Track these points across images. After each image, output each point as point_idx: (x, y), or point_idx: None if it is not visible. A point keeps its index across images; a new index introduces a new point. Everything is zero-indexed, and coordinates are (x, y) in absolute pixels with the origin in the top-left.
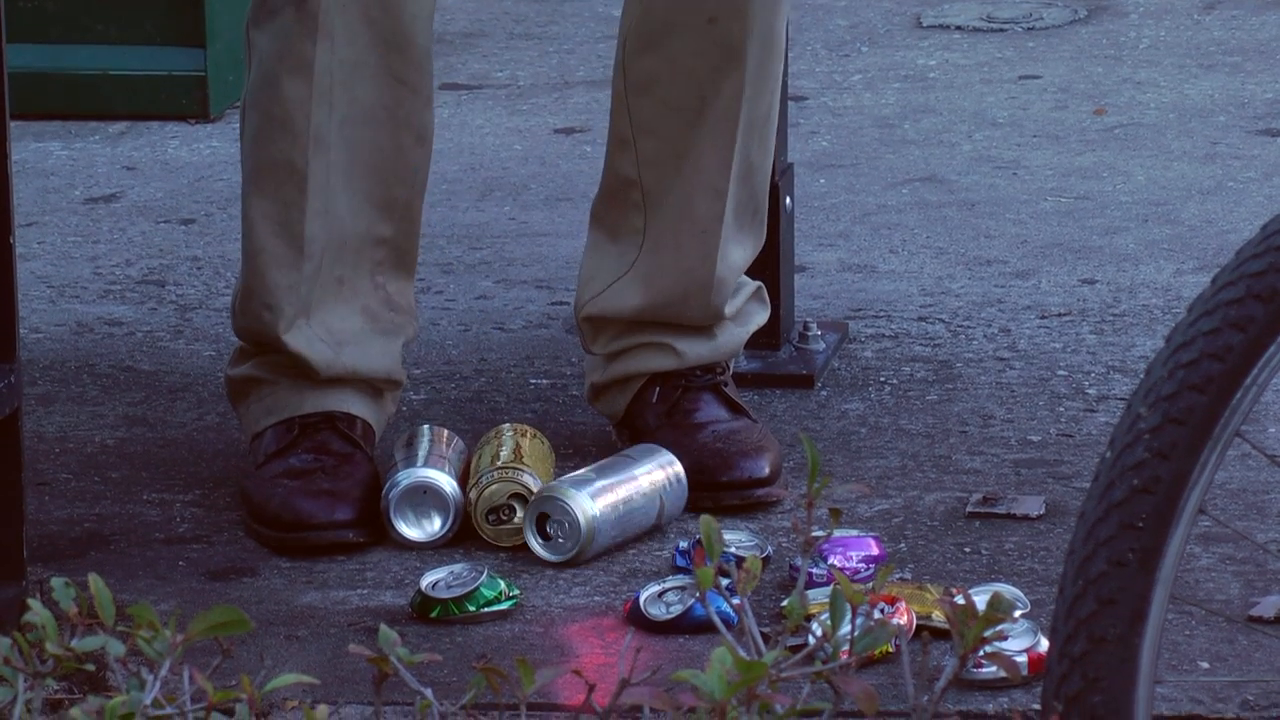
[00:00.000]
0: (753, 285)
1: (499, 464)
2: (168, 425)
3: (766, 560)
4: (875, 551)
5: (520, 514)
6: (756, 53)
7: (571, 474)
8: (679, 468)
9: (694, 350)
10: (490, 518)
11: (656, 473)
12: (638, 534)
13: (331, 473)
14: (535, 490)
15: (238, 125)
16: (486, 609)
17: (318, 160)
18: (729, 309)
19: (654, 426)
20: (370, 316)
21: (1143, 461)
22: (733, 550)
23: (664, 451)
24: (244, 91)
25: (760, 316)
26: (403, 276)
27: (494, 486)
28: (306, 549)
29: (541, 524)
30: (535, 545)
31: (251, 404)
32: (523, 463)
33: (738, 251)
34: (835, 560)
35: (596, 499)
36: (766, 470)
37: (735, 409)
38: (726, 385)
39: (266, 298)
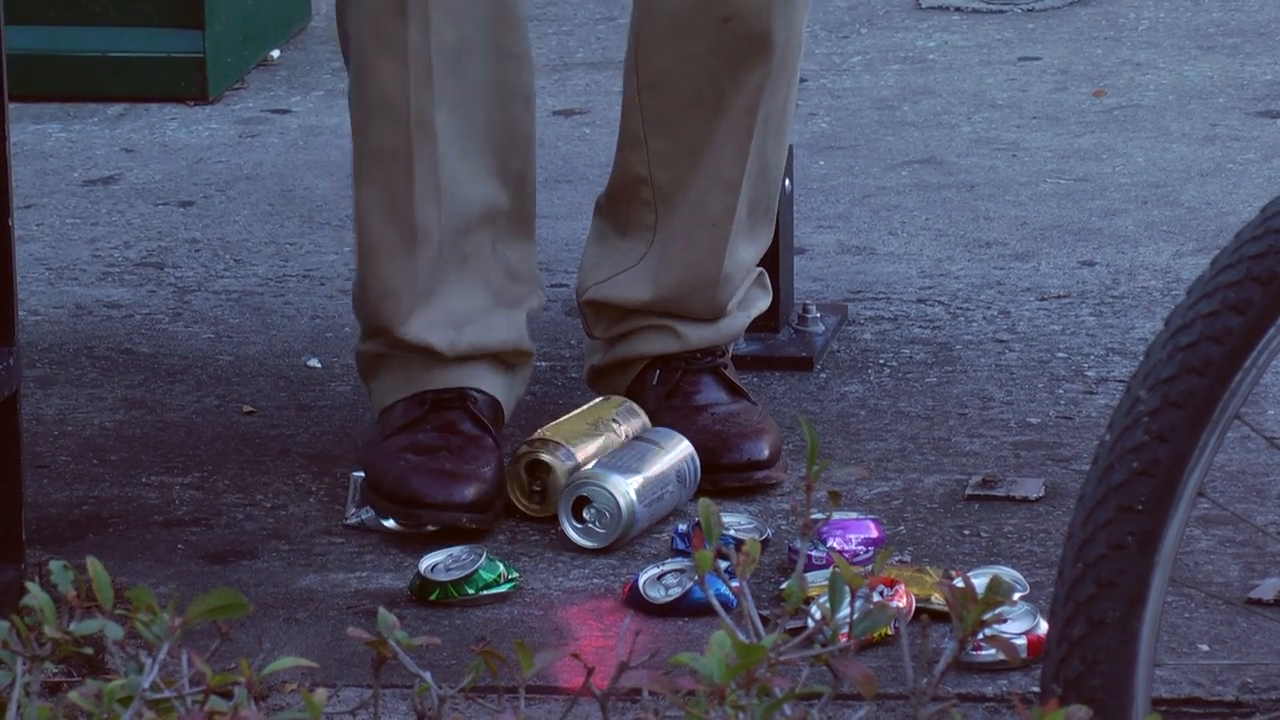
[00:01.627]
0: (755, 271)
1: (535, 435)
2: (166, 408)
3: (766, 543)
4: (875, 534)
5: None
6: (780, 48)
7: (607, 459)
8: (693, 450)
9: (695, 334)
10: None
11: (678, 457)
12: (663, 518)
13: (456, 454)
14: (552, 465)
15: (236, 107)
16: (485, 592)
17: (422, 143)
18: (734, 301)
19: (654, 408)
20: (493, 291)
21: (1142, 444)
22: (732, 533)
23: (678, 434)
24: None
25: (762, 302)
26: (523, 243)
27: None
28: (420, 526)
29: (578, 508)
30: (570, 531)
31: (382, 377)
32: (550, 437)
33: (747, 249)
34: (835, 543)
35: (634, 485)
36: (766, 453)
37: (735, 391)
38: (726, 368)
39: (382, 288)
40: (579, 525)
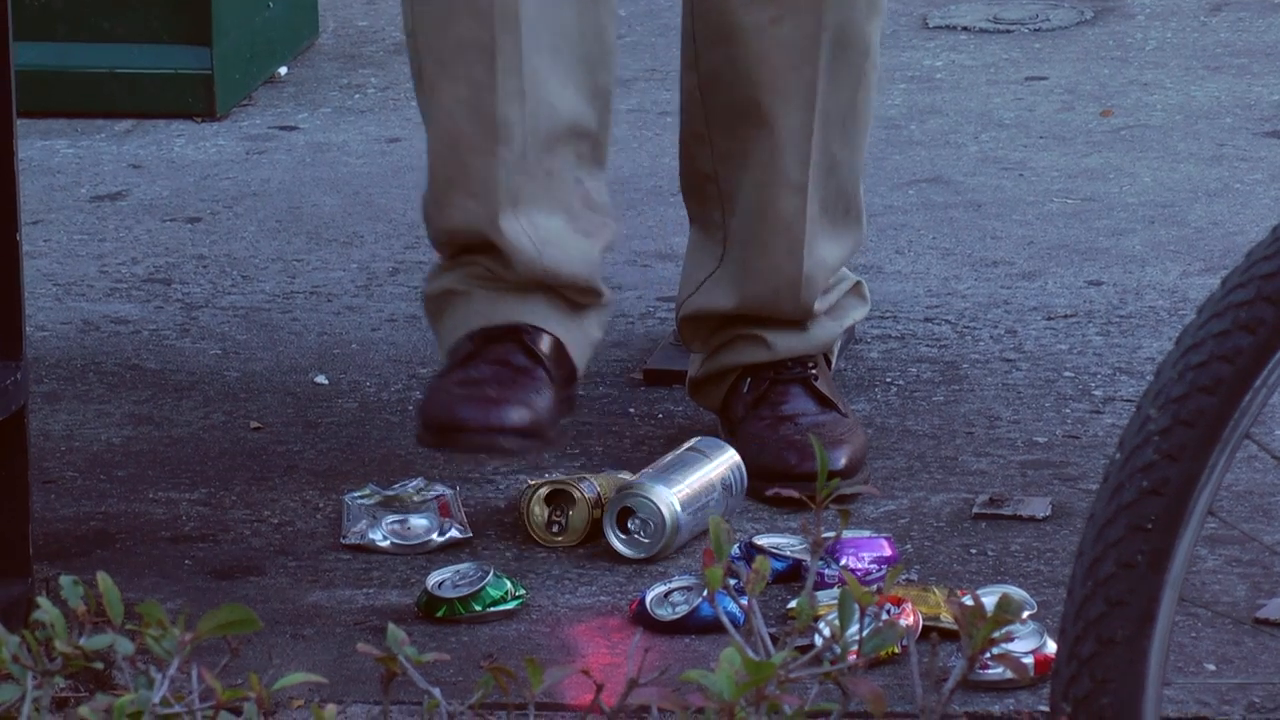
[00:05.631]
0: (852, 279)
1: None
2: (174, 424)
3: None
4: (888, 552)
5: (541, 513)
6: (829, 48)
7: (652, 469)
8: (739, 459)
9: (785, 343)
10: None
11: (724, 467)
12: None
13: (504, 384)
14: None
15: (244, 124)
16: (492, 609)
17: (506, 38)
18: (822, 304)
19: (741, 417)
20: (571, 215)
21: (1152, 463)
22: (788, 553)
23: (726, 445)
24: None
25: (858, 311)
26: (598, 172)
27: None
28: (462, 452)
29: (622, 520)
30: (616, 542)
31: (446, 319)
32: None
33: (829, 248)
34: (847, 561)
35: (679, 497)
36: (842, 462)
37: (825, 402)
38: (818, 379)
39: (470, 186)
40: (623, 536)
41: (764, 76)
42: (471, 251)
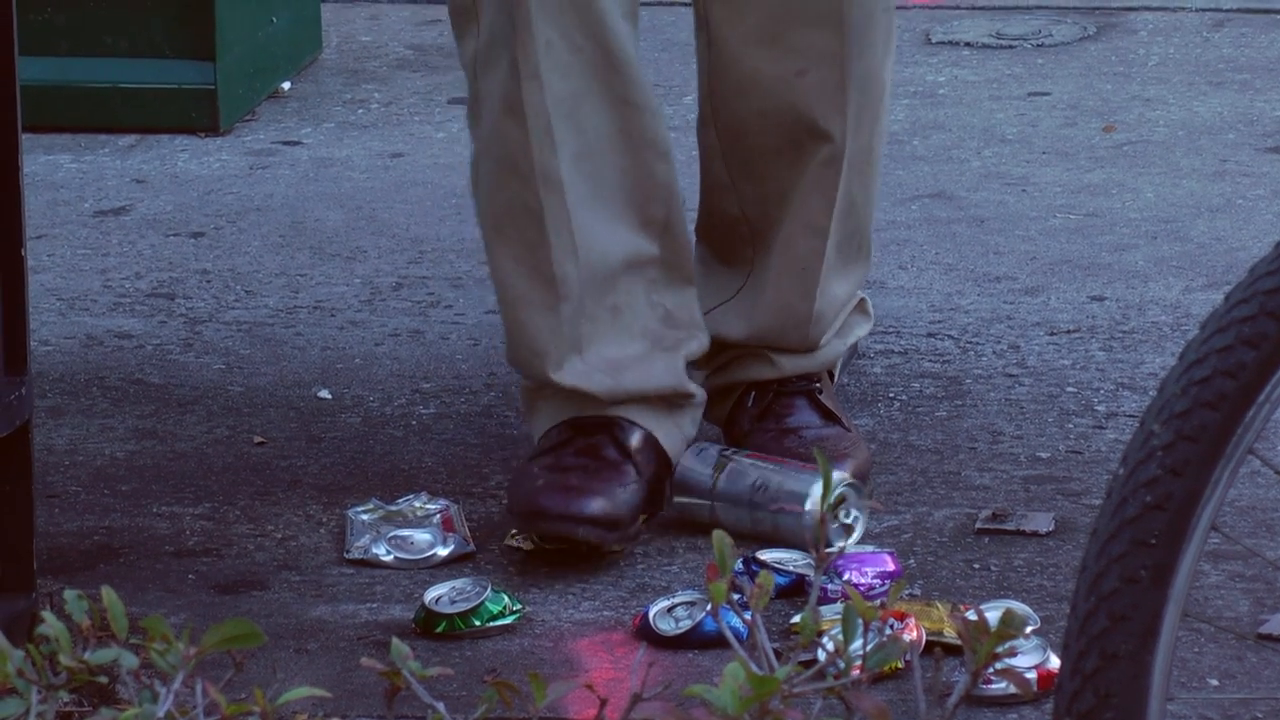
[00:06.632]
0: (856, 297)
1: None
2: (177, 438)
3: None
4: (891, 567)
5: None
6: (856, 96)
7: (777, 468)
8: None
9: (791, 363)
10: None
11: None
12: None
13: (590, 473)
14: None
15: (247, 139)
16: (491, 624)
17: (551, 199)
18: (829, 333)
19: (747, 430)
20: (652, 338)
21: (1155, 478)
22: (791, 568)
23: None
24: (476, 141)
25: (862, 329)
26: (681, 290)
27: None
28: (540, 535)
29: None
30: (844, 538)
31: (540, 407)
32: None
33: (840, 285)
34: (851, 576)
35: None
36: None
37: (828, 416)
38: (821, 393)
39: (530, 343)
40: (838, 526)
41: (789, 125)
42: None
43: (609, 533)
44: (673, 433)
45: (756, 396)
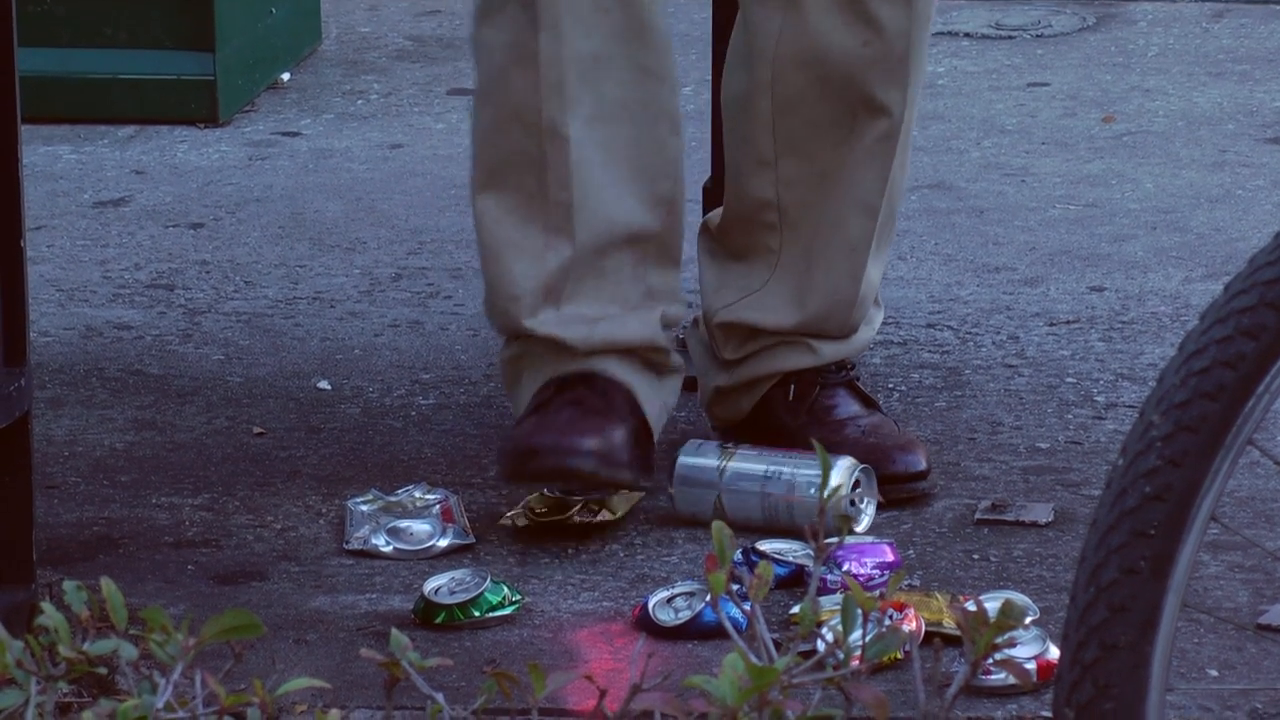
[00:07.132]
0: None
1: None
2: (177, 429)
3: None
4: (890, 558)
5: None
6: (915, 72)
7: (786, 458)
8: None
9: (829, 349)
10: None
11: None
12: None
13: (577, 418)
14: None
15: (246, 130)
16: (491, 614)
17: (555, 154)
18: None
19: (795, 426)
20: (629, 306)
21: (1155, 469)
22: (790, 558)
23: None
24: (475, 88)
25: (878, 318)
26: (666, 270)
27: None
28: (537, 479)
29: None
30: (861, 519)
31: (522, 379)
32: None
33: (875, 269)
34: (850, 567)
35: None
36: (924, 464)
37: (868, 403)
38: (858, 379)
39: (509, 289)
40: (854, 509)
41: (849, 98)
42: (525, 338)
43: (604, 465)
44: (651, 397)
45: (798, 390)
